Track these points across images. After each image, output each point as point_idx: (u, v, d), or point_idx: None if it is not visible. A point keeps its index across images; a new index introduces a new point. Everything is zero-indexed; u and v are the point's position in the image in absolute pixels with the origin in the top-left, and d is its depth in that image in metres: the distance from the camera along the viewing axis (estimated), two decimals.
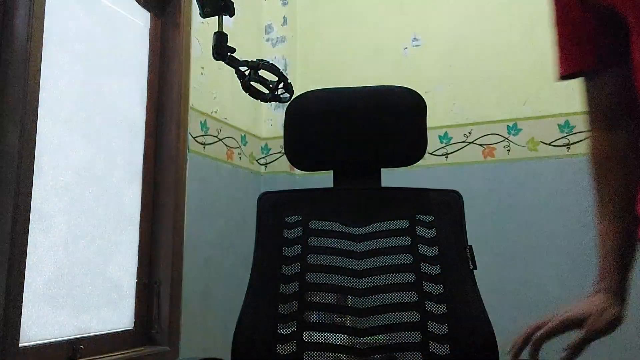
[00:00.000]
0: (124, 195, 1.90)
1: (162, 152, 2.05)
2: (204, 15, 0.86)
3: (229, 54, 0.87)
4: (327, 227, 1.10)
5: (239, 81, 0.88)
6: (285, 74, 0.91)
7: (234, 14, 0.89)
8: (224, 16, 0.88)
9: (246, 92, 0.88)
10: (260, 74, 0.89)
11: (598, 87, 0.83)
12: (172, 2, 2.12)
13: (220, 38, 0.86)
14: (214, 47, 0.87)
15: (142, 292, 1.93)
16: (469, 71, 2.42)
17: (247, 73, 0.88)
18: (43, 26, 1.55)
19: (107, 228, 1.82)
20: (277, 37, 2.74)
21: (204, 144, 2.21)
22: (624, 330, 2.09)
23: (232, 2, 0.87)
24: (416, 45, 2.54)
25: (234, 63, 0.87)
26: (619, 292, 0.84)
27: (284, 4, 2.76)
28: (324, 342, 1.04)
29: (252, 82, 0.88)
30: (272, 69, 0.88)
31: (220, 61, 0.88)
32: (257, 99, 0.89)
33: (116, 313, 1.83)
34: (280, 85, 0.90)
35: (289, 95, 0.91)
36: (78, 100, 1.74)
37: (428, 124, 1.13)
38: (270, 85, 0.89)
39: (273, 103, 2.68)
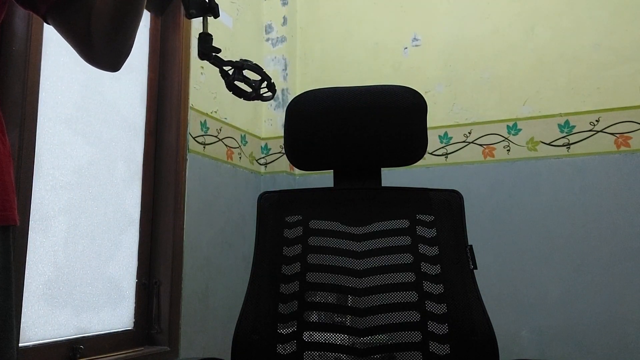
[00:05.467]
0: (124, 195, 1.90)
1: (162, 152, 2.05)
2: (189, 16, 0.87)
3: (213, 54, 0.89)
4: (327, 227, 1.10)
5: (223, 80, 0.89)
6: (268, 74, 0.92)
7: (218, 16, 0.90)
8: (209, 17, 0.90)
9: (230, 91, 0.90)
10: (244, 74, 0.90)
11: None
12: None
13: (205, 39, 0.88)
14: (199, 48, 0.88)
15: (142, 292, 1.93)
16: (469, 71, 2.42)
17: (231, 72, 0.89)
18: (43, 26, 1.55)
19: (107, 228, 1.82)
20: (277, 37, 2.74)
21: (204, 144, 2.21)
22: (624, 330, 2.10)
23: (217, 4, 0.88)
24: (416, 45, 2.54)
25: (218, 63, 0.89)
26: None
27: (284, 4, 2.76)
28: (324, 342, 1.04)
29: (235, 82, 0.89)
30: (256, 68, 0.90)
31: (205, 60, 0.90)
32: (241, 98, 0.91)
33: (116, 313, 1.83)
34: (264, 85, 0.91)
35: (271, 94, 0.92)
36: (78, 100, 1.74)
37: (428, 124, 1.13)
38: (254, 84, 0.90)
39: (273, 102, 2.69)
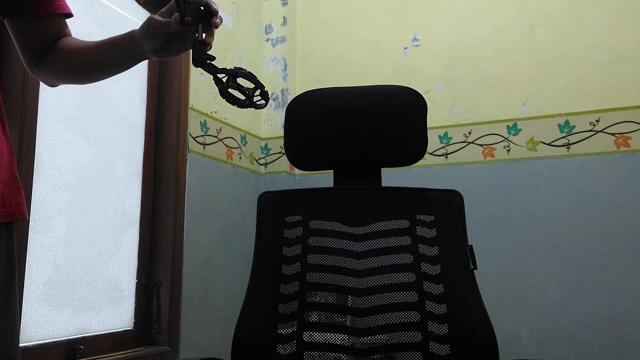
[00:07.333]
0: (124, 195, 1.90)
1: (162, 152, 2.05)
2: (185, 23, 0.88)
3: (208, 61, 0.89)
4: (327, 227, 1.10)
5: (217, 87, 0.90)
6: (262, 83, 0.93)
7: (216, 26, 0.91)
8: (204, 24, 0.91)
9: (223, 98, 0.90)
10: (238, 82, 0.91)
11: None
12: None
13: (200, 46, 0.89)
14: (193, 55, 0.89)
15: (142, 292, 1.93)
16: (469, 71, 2.42)
17: (225, 80, 0.90)
18: None
19: (107, 228, 1.82)
20: (277, 37, 2.74)
21: (204, 144, 2.21)
22: (623, 330, 2.10)
23: (211, 12, 0.89)
24: (416, 45, 2.54)
25: (212, 70, 0.90)
26: None
27: (284, 4, 2.76)
28: (324, 342, 1.04)
29: (229, 89, 0.90)
30: (250, 76, 0.91)
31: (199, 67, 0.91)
32: (234, 105, 0.91)
33: (116, 313, 1.83)
34: (257, 93, 0.92)
35: (264, 102, 0.93)
36: (78, 100, 1.74)
37: (428, 124, 1.13)
38: (247, 92, 0.91)
39: (273, 103, 2.69)
